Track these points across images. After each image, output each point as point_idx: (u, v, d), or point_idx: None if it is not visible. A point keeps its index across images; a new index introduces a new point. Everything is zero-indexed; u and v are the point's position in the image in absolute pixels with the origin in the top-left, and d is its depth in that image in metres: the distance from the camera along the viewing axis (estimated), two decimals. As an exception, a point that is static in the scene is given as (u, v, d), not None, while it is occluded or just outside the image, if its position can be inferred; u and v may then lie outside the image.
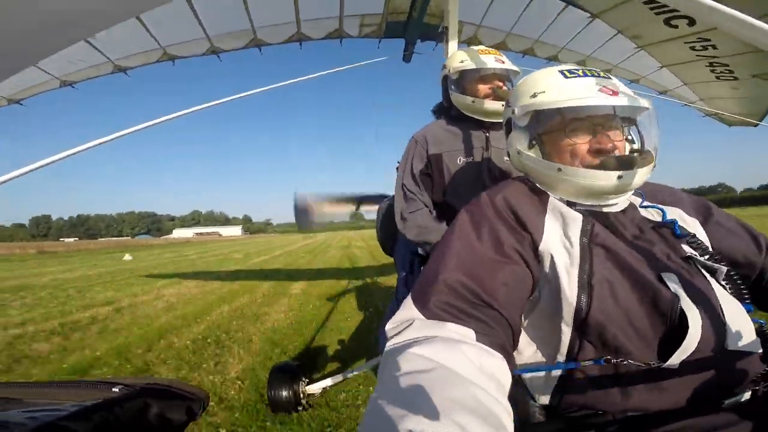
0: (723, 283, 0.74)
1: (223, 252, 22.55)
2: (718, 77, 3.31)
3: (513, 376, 0.62)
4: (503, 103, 1.45)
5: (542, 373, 0.76)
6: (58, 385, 0.81)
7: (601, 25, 3.16)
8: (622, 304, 0.69)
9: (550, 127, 0.87)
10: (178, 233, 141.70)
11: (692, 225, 0.86)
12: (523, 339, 0.79)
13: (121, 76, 3.39)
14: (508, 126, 0.99)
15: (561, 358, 0.74)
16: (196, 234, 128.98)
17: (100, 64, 3.11)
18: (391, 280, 6.70)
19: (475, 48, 1.64)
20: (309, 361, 3.16)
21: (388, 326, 0.65)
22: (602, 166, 0.79)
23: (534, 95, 0.88)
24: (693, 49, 2.86)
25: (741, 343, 0.66)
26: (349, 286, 6.80)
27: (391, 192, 2.37)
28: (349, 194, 2.95)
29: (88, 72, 3.17)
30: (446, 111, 1.71)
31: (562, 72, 0.88)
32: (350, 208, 2.86)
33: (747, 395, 0.66)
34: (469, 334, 0.60)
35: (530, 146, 0.90)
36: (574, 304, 0.70)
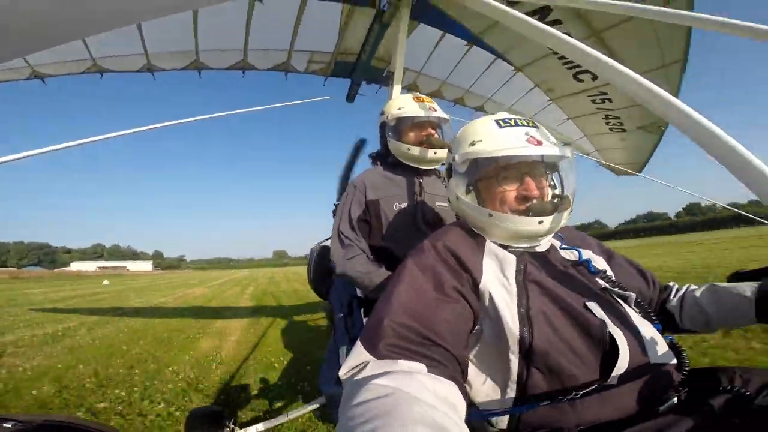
0: (634, 308, 0.88)
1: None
2: (611, 129, 4.00)
3: (469, 405, 0.71)
4: (435, 150, 1.60)
5: (497, 399, 0.81)
6: None
7: (522, 78, 3.68)
8: (560, 333, 0.78)
9: (486, 173, 0.96)
10: (78, 266, 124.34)
11: (601, 264, 1.01)
12: (472, 371, 0.85)
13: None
14: (449, 172, 1.08)
15: (513, 385, 0.79)
16: (99, 268, 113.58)
17: (16, 68, 2.73)
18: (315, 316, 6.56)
19: (411, 95, 1.76)
20: (238, 404, 2.76)
21: (342, 372, 0.67)
22: (526, 212, 0.90)
23: (473, 143, 0.98)
24: (594, 102, 3.46)
25: (660, 357, 0.79)
26: (275, 322, 6.38)
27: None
28: None
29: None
30: (383, 157, 1.78)
31: (497, 121, 0.98)
32: None
33: (674, 400, 0.77)
34: (420, 368, 0.63)
35: (467, 192, 1.00)
36: (518, 335, 0.77)
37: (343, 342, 1.54)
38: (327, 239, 2.03)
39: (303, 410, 2.32)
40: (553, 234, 0.98)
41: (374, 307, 0.80)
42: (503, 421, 0.80)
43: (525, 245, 0.94)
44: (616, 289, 0.90)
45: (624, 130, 3.89)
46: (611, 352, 0.75)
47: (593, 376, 0.75)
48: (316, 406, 2.34)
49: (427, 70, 4.04)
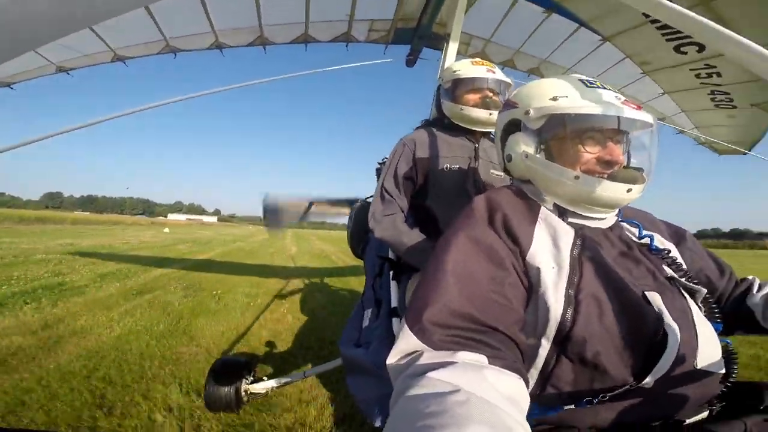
0: (700, 304, 0.78)
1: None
2: (717, 105, 3.39)
3: None
4: (491, 112, 1.48)
5: None
6: None
7: (610, 48, 3.19)
8: (606, 322, 0.68)
9: (566, 132, 0.84)
10: (173, 217, 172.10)
11: (668, 247, 0.89)
12: None
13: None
14: (513, 127, 0.94)
15: (534, 372, 0.73)
16: (188, 219, 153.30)
17: (99, 53, 2.98)
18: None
19: (469, 60, 1.64)
20: (265, 359, 2.98)
21: (391, 360, 0.61)
22: (612, 178, 0.79)
23: (554, 98, 0.86)
24: (698, 76, 2.92)
25: (708, 363, 0.70)
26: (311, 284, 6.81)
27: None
28: (317, 197, 2.89)
29: (86, 59, 3.03)
30: (438, 121, 1.70)
31: (582, 81, 0.88)
32: (321, 209, 2.79)
33: (705, 414, 0.71)
34: (482, 360, 0.57)
35: (537, 150, 0.89)
36: (559, 318, 0.69)
37: (369, 305, 1.54)
38: (371, 197, 2.04)
39: (318, 369, 2.33)
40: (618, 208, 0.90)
41: (420, 283, 0.71)
42: None
43: (596, 216, 0.85)
44: (684, 281, 0.79)
45: (734, 107, 3.27)
46: (657, 350, 0.67)
47: (628, 374, 0.68)
48: (332, 366, 2.31)
49: (498, 38, 3.67)
